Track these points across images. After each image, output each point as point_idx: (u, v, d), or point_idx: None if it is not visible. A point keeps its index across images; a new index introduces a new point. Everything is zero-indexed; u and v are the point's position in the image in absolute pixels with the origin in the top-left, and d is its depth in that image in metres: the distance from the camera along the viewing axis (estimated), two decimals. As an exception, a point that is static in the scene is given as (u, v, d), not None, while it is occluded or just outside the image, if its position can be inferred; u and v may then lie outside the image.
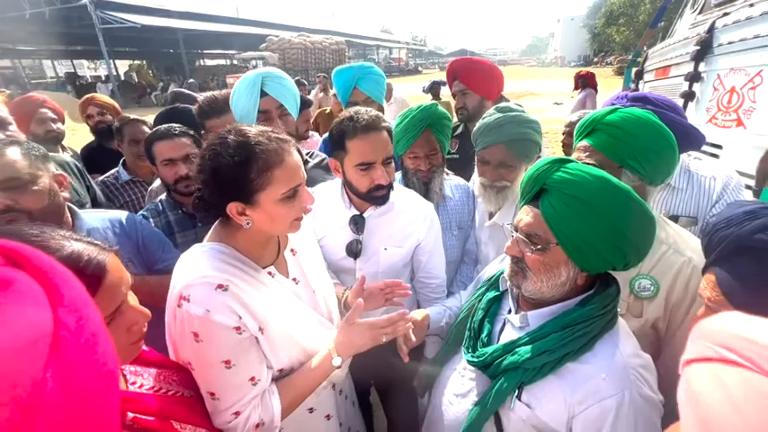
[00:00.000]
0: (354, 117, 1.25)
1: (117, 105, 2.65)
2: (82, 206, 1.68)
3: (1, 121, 1.48)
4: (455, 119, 2.29)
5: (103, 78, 26.28)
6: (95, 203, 1.85)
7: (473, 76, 2.20)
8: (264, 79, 1.55)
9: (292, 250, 1.12)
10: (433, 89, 5.76)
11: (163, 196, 1.61)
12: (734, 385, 0.28)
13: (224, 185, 0.87)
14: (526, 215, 0.91)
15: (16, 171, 1.04)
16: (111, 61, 22.65)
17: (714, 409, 0.28)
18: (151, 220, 1.49)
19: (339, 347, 1.00)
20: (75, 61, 34.34)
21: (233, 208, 0.89)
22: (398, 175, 1.71)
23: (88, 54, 32.62)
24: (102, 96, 2.65)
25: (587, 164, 0.93)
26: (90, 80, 28.72)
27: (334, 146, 1.31)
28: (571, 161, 0.88)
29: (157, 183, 1.96)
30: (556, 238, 0.85)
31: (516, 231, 0.92)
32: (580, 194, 0.82)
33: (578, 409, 0.82)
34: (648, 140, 1.07)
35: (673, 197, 1.46)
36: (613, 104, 1.37)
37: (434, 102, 1.63)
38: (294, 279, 1.09)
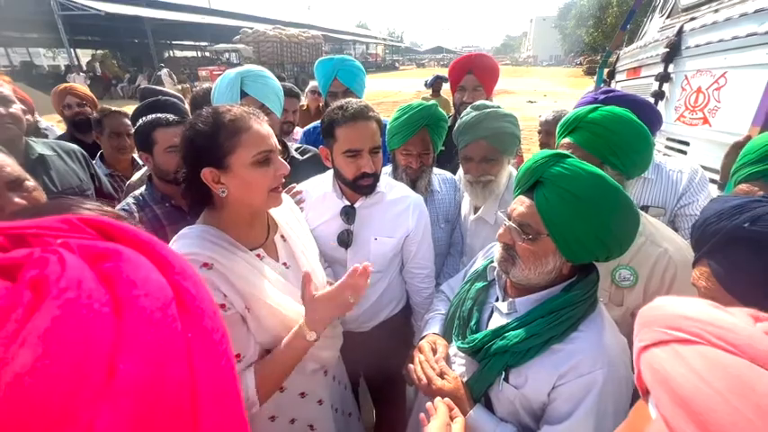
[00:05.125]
0: (344, 106, 1.29)
1: (95, 97, 2.53)
2: (83, 192, 1.65)
3: (4, 99, 1.44)
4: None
5: (63, 68, 24.79)
6: (100, 193, 1.80)
7: (489, 73, 2.16)
8: (244, 79, 1.51)
9: (282, 236, 1.14)
10: (435, 84, 5.74)
11: (142, 189, 1.56)
12: (694, 360, 0.31)
13: (198, 152, 0.93)
14: (520, 205, 0.93)
15: (19, 169, 0.99)
16: (72, 50, 21.40)
17: (685, 385, 0.31)
18: (136, 214, 1.44)
19: (309, 323, 0.98)
20: (31, 49, 32.17)
21: (207, 174, 0.92)
22: (388, 168, 1.73)
23: (46, 42, 30.64)
24: (81, 86, 2.52)
25: None
26: (47, 69, 27.00)
27: (325, 134, 1.34)
28: (569, 156, 0.91)
29: (136, 176, 1.89)
30: (547, 230, 0.88)
31: (509, 219, 0.95)
32: (575, 190, 0.85)
33: (560, 381, 0.87)
34: (628, 137, 1.13)
35: (643, 188, 1.54)
36: (596, 98, 1.45)
37: (434, 101, 1.65)
38: (284, 263, 1.11)
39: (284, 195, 1.23)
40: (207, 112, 0.95)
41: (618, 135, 1.13)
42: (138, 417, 0.20)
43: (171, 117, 1.54)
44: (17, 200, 0.92)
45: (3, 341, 0.19)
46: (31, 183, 0.99)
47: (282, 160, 0.99)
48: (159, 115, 1.54)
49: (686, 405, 0.30)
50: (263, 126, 0.97)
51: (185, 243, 0.93)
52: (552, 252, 0.90)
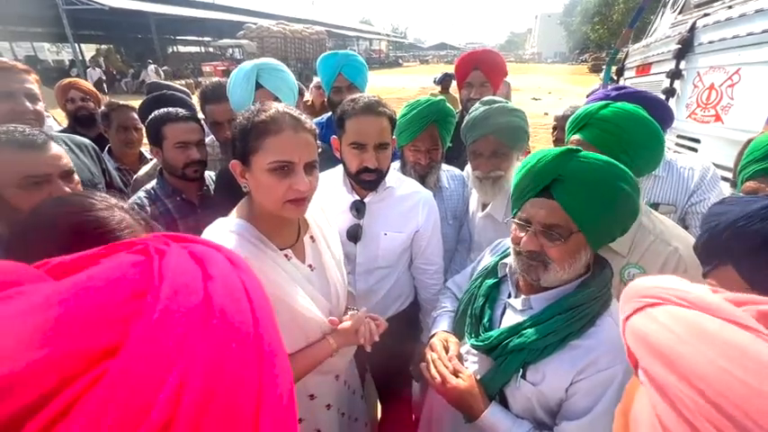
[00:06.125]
0: (357, 99, 1.31)
1: (98, 93, 2.53)
2: (95, 187, 1.66)
3: (33, 96, 1.50)
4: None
5: (67, 63, 24.83)
6: (110, 187, 1.81)
7: (495, 69, 2.14)
8: (260, 71, 1.54)
9: (312, 237, 1.13)
10: (444, 81, 5.74)
11: (153, 183, 1.56)
12: (661, 316, 0.38)
13: (233, 142, 0.96)
14: (540, 208, 0.90)
15: (71, 162, 1.10)
16: (77, 45, 21.41)
17: (656, 336, 0.37)
18: (148, 208, 1.45)
19: (334, 336, 1.09)
20: (35, 44, 32.28)
21: (235, 165, 0.96)
22: (397, 164, 1.72)
23: (50, 36, 30.67)
24: (84, 82, 2.52)
25: None
26: (52, 64, 27.10)
27: (337, 125, 1.35)
28: (579, 150, 0.91)
29: (143, 171, 1.90)
30: (577, 226, 0.87)
31: (530, 225, 0.92)
32: (597, 180, 0.86)
33: (578, 377, 0.87)
34: (638, 135, 1.12)
35: (653, 185, 1.53)
36: (607, 95, 1.44)
37: (442, 97, 1.64)
38: (310, 265, 1.10)
39: (317, 197, 1.23)
40: (254, 107, 0.96)
41: (628, 132, 1.12)
42: (223, 324, 0.28)
43: (181, 112, 1.53)
44: (67, 189, 1.03)
45: (149, 279, 0.28)
46: (77, 177, 1.10)
47: (305, 177, 0.93)
48: (170, 110, 1.53)
49: (659, 353, 0.36)
50: (297, 135, 0.92)
51: (221, 239, 0.93)
52: (583, 246, 0.90)
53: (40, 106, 1.51)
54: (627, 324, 0.43)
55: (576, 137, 1.20)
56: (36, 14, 20.01)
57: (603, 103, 1.19)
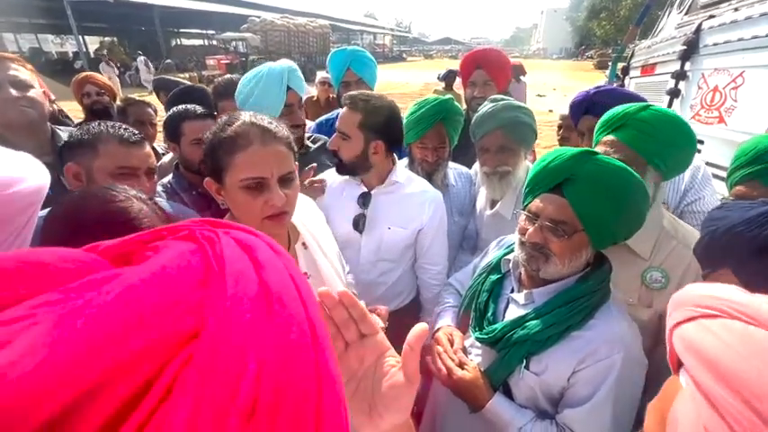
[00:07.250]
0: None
1: (113, 87, 2.58)
2: None
3: (20, 83, 1.44)
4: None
5: (71, 55, 24.83)
6: None
7: (498, 68, 2.15)
8: (289, 74, 1.62)
9: (304, 244, 1.12)
10: (448, 78, 5.69)
11: (169, 177, 1.62)
12: (718, 330, 0.37)
13: (205, 160, 0.93)
14: (549, 204, 0.95)
15: (155, 161, 1.24)
16: (81, 37, 21.39)
17: (711, 349, 0.36)
18: (165, 203, 1.50)
19: None
20: (39, 36, 32.27)
21: (209, 184, 0.93)
22: (405, 161, 1.76)
23: (54, 28, 30.66)
24: (100, 76, 2.57)
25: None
26: (56, 56, 27.11)
27: None
28: (597, 153, 0.94)
29: (167, 158, 1.98)
30: (582, 225, 0.91)
31: (537, 219, 0.96)
32: (610, 185, 0.89)
33: (579, 366, 0.92)
34: (677, 140, 1.11)
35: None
36: (588, 93, 1.48)
37: (450, 96, 1.68)
38: (305, 273, 1.09)
39: (308, 200, 1.25)
40: (222, 121, 0.92)
41: (667, 137, 1.11)
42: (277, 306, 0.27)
43: (199, 109, 1.59)
44: (148, 184, 1.18)
45: (209, 267, 0.27)
46: (155, 176, 1.25)
47: (280, 192, 0.89)
48: (188, 107, 1.59)
49: (711, 365, 0.36)
50: (266, 148, 0.87)
51: None
52: (585, 245, 0.94)
53: (34, 92, 1.45)
54: (677, 330, 0.42)
55: (611, 137, 1.18)
56: (40, 6, 19.99)
57: (642, 104, 1.17)
